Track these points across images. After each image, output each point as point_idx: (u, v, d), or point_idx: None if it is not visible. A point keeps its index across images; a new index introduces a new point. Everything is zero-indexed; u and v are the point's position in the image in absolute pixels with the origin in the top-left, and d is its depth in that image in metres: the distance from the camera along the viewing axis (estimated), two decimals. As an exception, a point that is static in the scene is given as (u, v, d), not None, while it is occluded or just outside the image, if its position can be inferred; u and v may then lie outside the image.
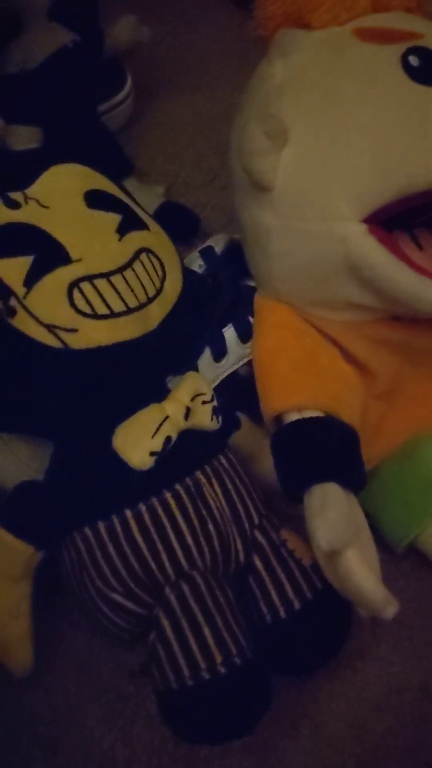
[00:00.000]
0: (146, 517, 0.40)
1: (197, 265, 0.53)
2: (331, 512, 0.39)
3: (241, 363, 0.51)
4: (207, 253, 0.53)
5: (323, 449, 0.43)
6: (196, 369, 0.50)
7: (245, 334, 0.51)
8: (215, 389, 0.49)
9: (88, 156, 0.62)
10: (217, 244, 0.54)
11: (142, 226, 0.43)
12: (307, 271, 0.45)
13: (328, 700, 0.46)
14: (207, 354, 0.51)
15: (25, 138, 0.64)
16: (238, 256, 0.52)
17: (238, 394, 0.50)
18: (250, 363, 0.50)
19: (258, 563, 0.43)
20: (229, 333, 0.51)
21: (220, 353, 0.51)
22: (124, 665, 0.46)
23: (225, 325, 0.51)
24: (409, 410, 0.53)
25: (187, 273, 0.51)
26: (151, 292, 0.41)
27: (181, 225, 0.68)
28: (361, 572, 0.40)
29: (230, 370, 0.51)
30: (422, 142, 0.41)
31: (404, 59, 0.42)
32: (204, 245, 0.55)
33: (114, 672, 0.46)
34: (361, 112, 0.42)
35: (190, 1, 0.97)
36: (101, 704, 0.45)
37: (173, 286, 0.43)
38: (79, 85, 0.69)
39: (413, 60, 0.42)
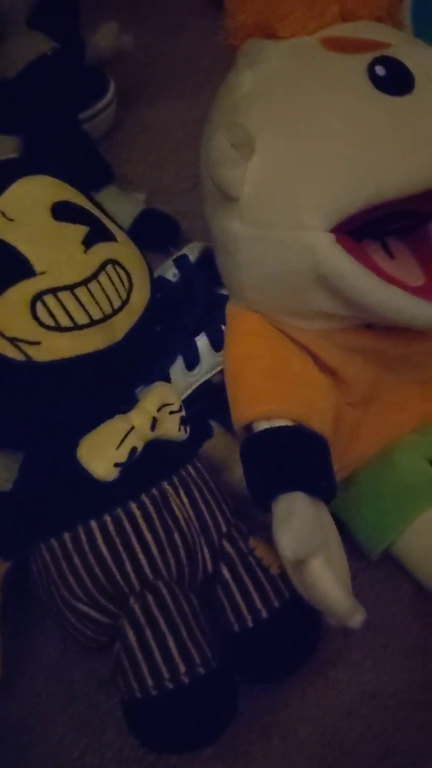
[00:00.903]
0: (111, 527, 0.40)
1: (171, 273, 0.54)
2: (296, 521, 0.40)
3: (214, 371, 0.51)
4: (181, 262, 0.54)
5: (291, 459, 0.43)
6: (168, 378, 0.50)
7: (218, 343, 0.51)
8: (188, 398, 0.50)
9: (68, 165, 0.62)
10: (192, 252, 0.54)
11: (109, 237, 0.43)
12: (276, 281, 0.45)
13: (299, 707, 0.46)
14: (179, 363, 0.51)
15: (4, 148, 0.64)
16: (212, 265, 0.52)
17: (211, 402, 0.50)
18: (223, 371, 0.50)
19: (226, 573, 0.43)
20: (202, 341, 0.52)
21: (192, 362, 0.51)
22: (94, 673, 0.46)
23: (198, 334, 0.51)
24: (385, 417, 0.53)
25: (158, 282, 0.51)
26: (117, 304, 0.41)
27: (161, 232, 0.69)
28: (326, 581, 0.40)
29: (203, 379, 0.51)
30: (388, 151, 0.41)
31: (371, 69, 0.42)
32: (178, 254, 0.55)
33: (85, 680, 0.46)
34: (327, 122, 0.42)
35: (174, 6, 0.97)
36: (72, 712, 0.46)
37: (140, 297, 0.43)
38: (59, 94, 0.69)
39: (379, 70, 0.42)
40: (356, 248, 0.44)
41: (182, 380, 0.51)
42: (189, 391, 0.51)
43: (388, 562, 0.51)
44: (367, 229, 0.45)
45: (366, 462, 0.52)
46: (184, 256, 0.54)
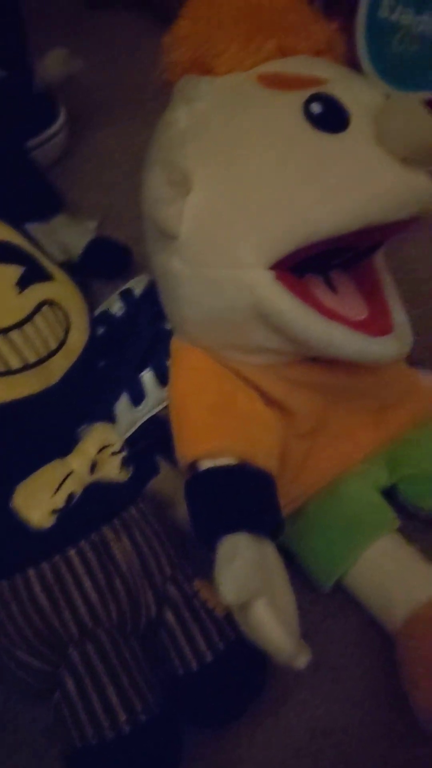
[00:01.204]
0: (49, 575, 0.40)
1: (117, 307, 0.53)
2: (237, 564, 0.39)
3: (160, 406, 0.51)
4: (126, 295, 0.53)
5: (235, 499, 0.43)
6: (113, 414, 0.50)
7: (164, 377, 0.51)
8: (134, 434, 0.49)
9: (15, 195, 0.62)
10: (138, 285, 0.54)
11: (45, 276, 0.42)
12: (217, 318, 0.45)
13: (248, 748, 0.46)
14: (125, 399, 0.50)
15: None
16: (157, 298, 0.51)
17: (158, 437, 0.50)
18: (168, 406, 0.50)
19: (170, 617, 0.42)
20: (148, 377, 0.51)
21: (138, 398, 0.50)
22: (39, 720, 0.45)
23: (143, 369, 0.51)
24: (334, 447, 0.53)
25: (102, 317, 0.51)
26: (54, 345, 0.41)
27: (112, 261, 0.68)
28: (268, 625, 0.39)
29: (149, 414, 0.51)
30: (322, 190, 0.41)
31: (306, 106, 0.42)
32: (124, 287, 0.54)
33: (29, 727, 0.45)
34: (263, 161, 0.42)
35: (125, 29, 0.97)
36: (16, 760, 0.45)
37: (78, 337, 0.42)
38: (7, 121, 0.68)
39: (315, 107, 0.42)
40: (297, 284, 0.44)
41: (128, 416, 0.50)
42: (135, 427, 0.50)
43: (340, 594, 0.51)
44: (309, 263, 0.45)
45: (315, 493, 0.52)
46: (130, 290, 0.54)
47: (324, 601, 0.51)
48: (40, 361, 0.40)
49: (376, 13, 0.86)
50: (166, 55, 0.46)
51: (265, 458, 0.46)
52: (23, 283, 0.41)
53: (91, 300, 0.65)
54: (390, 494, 0.54)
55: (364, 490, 0.52)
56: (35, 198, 0.69)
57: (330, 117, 0.42)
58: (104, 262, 0.69)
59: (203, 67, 0.46)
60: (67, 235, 0.69)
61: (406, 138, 0.41)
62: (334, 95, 0.43)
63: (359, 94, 0.43)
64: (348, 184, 0.41)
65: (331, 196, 0.41)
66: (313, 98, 0.42)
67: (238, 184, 0.42)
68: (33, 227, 0.66)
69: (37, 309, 0.40)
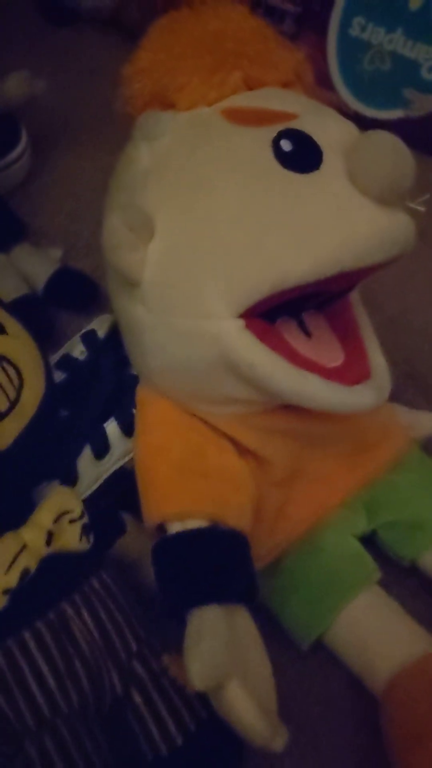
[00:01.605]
0: (1, 661, 0.36)
1: (78, 350, 0.50)
2: (206, 645, 0.36)
3: (126, 458, 0.48)
4: (89, 338, 0.50)
5: (204, 569, 0.40)
6: (74, 470, 0.46)
7: (129, 428, 0.48)
8: (98, 489, 0.46)
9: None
10: (101, 326, 0.51)
11: (-3, 330, 0.39)
12: (184, 368, 0.42)
13: None
14: (87, 452, 0.47)
15: None
16: (122, 341, 0.48)
17: (123, 491, 0.47)
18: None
19: (136, 697, 0.39)
20: (111, 427, 0.48)
21: (102, 450, 0.47)
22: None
23: (107, 419, 0.48)
24: (311, 493, 0.50)
25: (64, 361, 0.48)
26: (4, 407, 0.37)
27: (77, 293, 0.65)
28: (241, 708, 0.36)
29: (114, 467, 0.47)
30: (291, 236, 0.38)
31: (276, 143, 0.40)
32: (86, 329, 0.51)
33: None
34: (228, 203, 0.39)
35: (92, 46, 0.94)
36: None
37: (32, 395, 0.39)
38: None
39: (285, 144, 0.40)
40: (268, 332, 0.41)
41: (91, 471, 0.47)
42: (99, 482, 0.47)
43: (321, 652, 0.48)
44: (281, 307, 0.42)
45: (293, 544, 0.49)
46: (92, 332, 0.50)
47: (303, 659, 0.48)
48: (-10, 426, 0.36)
49: (347, 32, 0.85)
50: (126, 87, 0.43)
51: (236, 517, 0.43)
52: (-29, 339, 0.37)
53: (53, 334, 0.63)
54: (369, 539, 0.52)
55: (343, 540, 0.50)
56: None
57: (301, 155, 0.39)
58: (69, 294, 0.65)
59: (165, 101, 0.43)
60: (30, 266, 0.66)
61: (380, 176, 0.38)
62: (305, 131, 0.40)
63: (330, 130, 0.41)
64: (321, 227, 0.38)
65: (302, 241, 0.38)
66: (283, 135, 0.40)
67: (203, 229, 0.39)
68: (-7, 258, 0.64)
69: (-14, 372, 0.37)
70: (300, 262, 0.38)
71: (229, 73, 0.42)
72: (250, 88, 0.43)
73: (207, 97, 0.42)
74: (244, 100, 0.42)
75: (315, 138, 0.40)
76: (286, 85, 0.45)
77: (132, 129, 0.47)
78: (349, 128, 0.42)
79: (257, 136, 0.40)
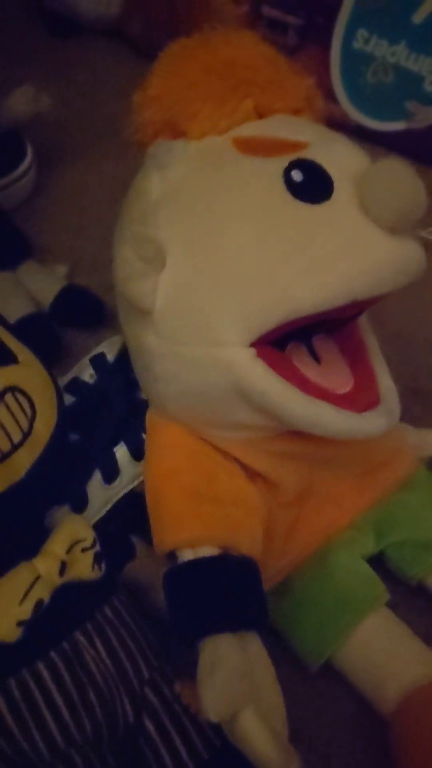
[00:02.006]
0: (16, 693, 0.36)
1: (88, 374, 0.50)
2: (219, 676, 0.36)
3: (136, 482, 0.48)
4: (98, 361, 0.50)
5: (216, 598, 0.40)
6: (84, 495, 0.46)
7: (139, 452, 0.48)
8: (107, 514, 0.46)
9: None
10: (110, 350, 0.51)
11: (9, 359, 0.39)
12: (195, 396, 0.42)
13: None
14: (97, 477, 0.47)
15: None
16: (131, 365, 0.48)
17: (134, 515, 0.47)
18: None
19: (149, 725, 0.39)
20: (121, 452, 0.48)
21: (111, 474, 0.47)
22: None
23: (116, 443, 0.48)
24: (321, 513, 0.51)
25: (73, 385, 0.48)
26: (17, 438, 0.37)
27: (83, 311, 0.65)
28: (255, 736, 0.37)
29: (124, 491, 0.48)
30: (303, 267, 0.38)
31: (287, 174, 0.40)
32: (95, 352, 0.51)
33: None
34: (240, 234, 0.39)
35: (93, 59, 0.94)
36: None
37: (45, 425, 0.39)
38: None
39: (296, 175, 0.40)
40: (279, 360, 0.41)
41: (101, 495, 0.47)
42: (108, 506, 0.47)
43: (329, 674, 0.48)
44: (291, 334, 0.42)
45: (302, 565, 0.49)
46: (102, 355, 0.50)
47: (314, 679, 0.48)
48: (3, 458, 0.37)
49: (350, 44, 0.85)
50: (137, 115, 0.44)
51: (248, 543, 0.43)
52: (-17, 370, 0.37)
53: (60, 352, 0.63)
54: (376, 559, 0.52)
55: (352, 561, 0.50)
56: (1, 245, 0.65)
57: (312, 185, 0.40)
58: (76, 311, 0.66)
59: (176, 129, 0.43)
60: (36, 284, 0.66)
61: (393, 206, 0.38)
62: (316, 161, 0.40)
63: (341, 159, 0.41)
64: (333, 258, 0.38)
65: (314, 271, 0.38)
66: (294, 165, 0.40)
67: (214, 259, 0.39)
68: (-1, 276, 0.64)
69: (0, 398, 0.37)
70: (312, 293, 0.38)
71: (240, 101, 0.42)
72: (261, 116, 0.44)
73: (218, 126, 0.42)
74: (254, 128, 0.43)
75: (326, 167, 0.40)
76: (296, 112, 0.45)
77: (136, 143, 0.47)
78: (360, 156, 0.42)
79: (268, 166, 0.40)
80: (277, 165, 0.40)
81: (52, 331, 0.63)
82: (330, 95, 0.87)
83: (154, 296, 0.40)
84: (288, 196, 0.39)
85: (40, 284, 0.66)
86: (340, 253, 0.38)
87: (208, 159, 0.41)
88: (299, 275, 0.38)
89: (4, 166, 0.71)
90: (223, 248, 0.39)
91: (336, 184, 0.40)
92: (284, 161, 0.40)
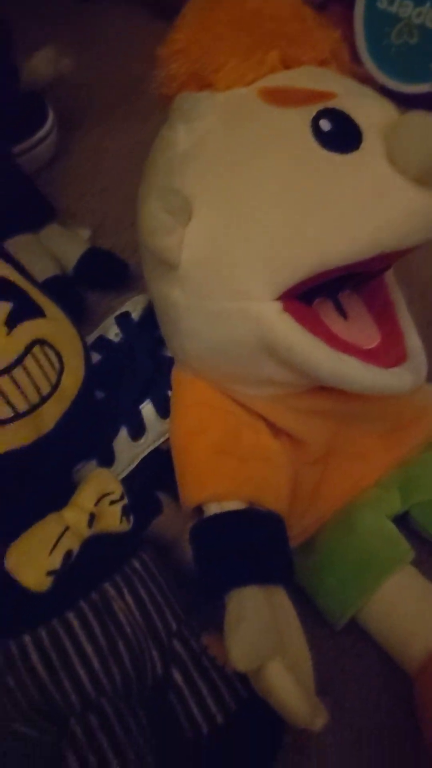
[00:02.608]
0: (47, 641, 0.37)
1: (113, 333, 0.50)
2: (246, 627, 0.36)
3: (162, 439, 0.48)
4: (123, 320, 0.50)
5: (242, 550, 0.40)
6: (111, 452, 0.47)
7: (165, 409, 0.48)
8: (134, 470, 0.46)
9: (1, 205, 0.58)
10: (135, 308, 0.51)
11: (36, 313, 0.39)
12: (221, 351, 0.42)
13: (262, 803, 0.44)
14: (123, 433, 0.47)
15: None
16: (157, 322, 0.48)
17: (159, 471, 0.47)
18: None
19: (177, 676, 0.40)
20: (147, 409, 0.48)
21: (137, 432, 0.47)
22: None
23: (142, 401, 0.48)
24: (346, 470, 0.51)
25: (99, 344, 0.48)
26: (46, 390, 0.37)
27: (107, 273, 0.65)
28: (282, 687, 0.37)
29: (151, 448, 0.48)
30: (331, 217, 0.37)
31: (315, 123, 0.39)
32: (120, 310, 0.51)
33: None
34: (267, 185, 0.38)
35: (117, 22, 0.92)
36: None
37: (73, 379, 0.39)
38: (-8, 127, 0.65)
39: (324, 124, 0.39)
40: (307, 315, 0.41)
41: (127, 452, 0.47)
42: (135, 463, 0.47)
43: (355, 630, 0.48)
44: (318, 289, 0.42)
45: (327, 523, 0.49)
46: (127, 314, 0.50)
47: (338, 637, 0.49)
48: (32, 409, 0.37)
49: (375, 4, 0.84)
50: (162, 68, 0.43)
51: (274, 499, 0.43)
52: (12, 322, 0.37)
53: (84, 315, 0.63)
54: (401, 518, 0.52)
55: (377, 520, 0.50)
56: (24, 207, 0.65)
57: (341, 135, 0.39)
58: (99, 274, 0.66)
59: (202, 81, 0.42)
60: (59, 246, 0.66)
61: (421, 157, 0.38)
62: (345, 110, 0.39)
63: (370, 109, 0.40)
64: (361, 208, 0.38)
65: (343, 222, 0.38)
66: (322, 114, 0.39)
67: (242, 211, 0.39)
68: (22, 239, 0.64)
69: (28, 350, 0.37)
70: (337, 244, 0.38)
71: (266, 53, 0.41)
72: (287, 68, 0.43)
73: (245, 78, 0.41)
74: (281, 79, 0.42)
75: (354, 117, 0.39)
76: (322, 63, 0.44)
77: (159, 104, 0.46)
78: (388, 108, 0.41)
79: (296, 116, 0.39)
80: (304, 114, 0.39)
81: (76, 294, 0.63)
82: (354, 56, 0.85)
83: (180, 250, 0.40)
84: (316, 146, 0.38)
85: (64, 247, 0.66)
86: (368, 203, 0.37)
87: (235, 110, 0.41)
88: (327, 227, 0.37)
89: (25, 128, 0.71)
90: (251, 199, 0.38)
91: (364, 134, 0.39)
92: (312, 110, 0.39)
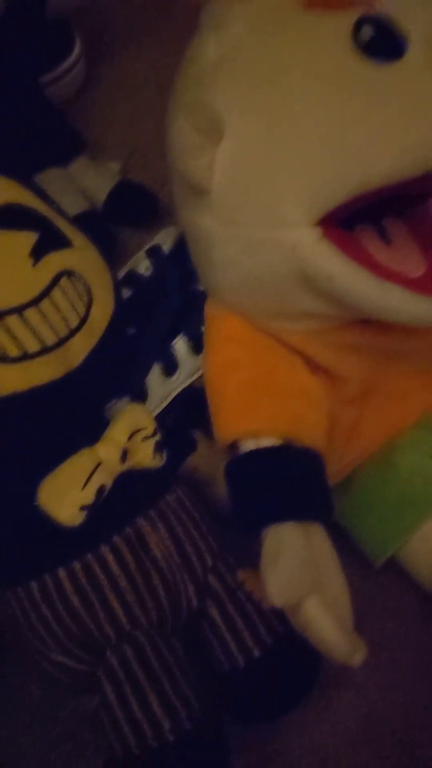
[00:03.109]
0: (81, 575, 0.37)
1: (144, 266, 0.48)
2: (284, 564, 0.36)
3: (195, 376, 0.47)
4: (154, 253, 0.48)
5: (279, 486, 0.39)
6: (144, 388, 0.45)
7: (198, 345, 0.46)
8: (167, 407, 0.45)
9: (29, 139, 0.56)
10: (166, 240, 0.49)
11: (63, 243, 0.37)
12: (256, 283, 0.40)
13: (299, 735, 0.44)
14: (156, 370, 0.46)
15: None
16: (188, 255, 0.46)
17: (193, 409, 0.46)
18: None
19: (213, 611, 0.39)
20: (180, 344, 0.47)
21: (170, 368, 0.46)
22: (80, 709, 0.44)
23: (175, 336, 0.46)
24: (385, 411, 0.49)
25: (129, 278, 0.46)
26: (74, 323, 0.36)
27: (138, 208, 0.63)
28: (321, 623, 0.36)
29: (184, 385, 0.46)
30: (375, 131, 0.35)
31: (356, 30, 0.36)
32: (151, 244, 0.49)
33: (70, 719, 0.44)
34: (305, 97, 0.36)
35: None
36: (58, 754, 0.43)
37: (102, 312, 0.38)
38: (17, 57, 0.62)
39: (366, 31, 0.36)
40: (347, 241, 0.39)
41: (160, 389, 0.46)
42: (168, 400, 0.46)
43: (394, 568, 0.48)
44: (360, 215, 0.39)
45: (366, 463, 0.48)
46: (157, 247, 0.48)
47: (376, 575, 0.48)
48: (60, 343, 0.35)
49: None
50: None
51: (311, 436, 0.42)
52: (38, 253, 0.36)
53: (115, 251, 0.61)
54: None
55: (418, 459, 0.48)
56: (52, 140, 0.63)
57: (383, 42, 0.36)
58: (130, 209, 0.63)
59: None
60: (89, 180, 0.64)
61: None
62: (388, 16, 0.36)
63: (415, 15, 0.37)
64: (407, 120, 0.35)
65: (387, 134, 0.35)
66: (364, 21, 0.36)
67: (278, 126, 0.36)
68: (51, 173, 0.62)
69: (55, 281, 0.36)
70: (380, 161, 0.35)
71: None
72: (326, -30, 0.39)
73: (281, -19, 0.38)
74: (320, -18, 0.38)
75: (398, 25, 0.36)
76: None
77: (192, 26, 0.43)
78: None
79: (335, 22, 0.36)
80: (345, 21, 0.36)
81: (107, 230, 0.61)
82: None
83: (211, 172, 0.37)
84: (357, 55, 0.35)
85: (93, 181, 0.64)
86: (415, 115, 0.35)
87: (269, 16, 0.38)
88: (370, 139, 0.35)
89: (52, 58, 0.68)
90: (287, 113, 0.36)
91: (410, 42, 0.36)
92: (353, 16, 0.36)
